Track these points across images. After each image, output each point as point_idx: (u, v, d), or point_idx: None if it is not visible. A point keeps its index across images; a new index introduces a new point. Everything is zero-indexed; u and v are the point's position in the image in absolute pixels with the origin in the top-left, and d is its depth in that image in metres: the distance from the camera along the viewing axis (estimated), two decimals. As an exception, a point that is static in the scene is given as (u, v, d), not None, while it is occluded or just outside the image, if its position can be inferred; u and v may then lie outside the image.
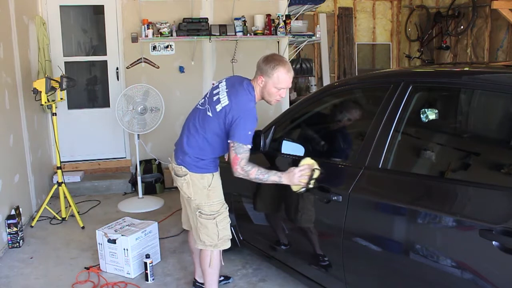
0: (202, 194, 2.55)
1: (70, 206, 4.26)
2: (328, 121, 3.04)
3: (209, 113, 2.49)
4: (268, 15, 5.59)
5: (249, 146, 2.41)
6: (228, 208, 2.66)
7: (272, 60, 2.43)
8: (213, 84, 2.74)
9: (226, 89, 2.50)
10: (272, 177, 2.42)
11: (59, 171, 4.26)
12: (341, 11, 8.07)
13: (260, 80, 2.45)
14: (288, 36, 5.70)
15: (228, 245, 2.65)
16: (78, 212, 4.24)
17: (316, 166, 2.39)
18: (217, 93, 2.52)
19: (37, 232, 4.02)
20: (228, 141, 2.43)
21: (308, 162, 2.41)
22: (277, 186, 2.71)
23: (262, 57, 2.49)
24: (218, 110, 2.45)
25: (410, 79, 2.24)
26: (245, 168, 2.40)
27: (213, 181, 2.57)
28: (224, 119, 2.43)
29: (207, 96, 2.59)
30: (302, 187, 2.40)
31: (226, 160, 2.90)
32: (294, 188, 2.43)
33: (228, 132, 2.45)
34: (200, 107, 2.59)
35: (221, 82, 2.59)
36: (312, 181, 2.38)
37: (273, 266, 3.13)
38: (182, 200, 2.75)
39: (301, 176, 2.38)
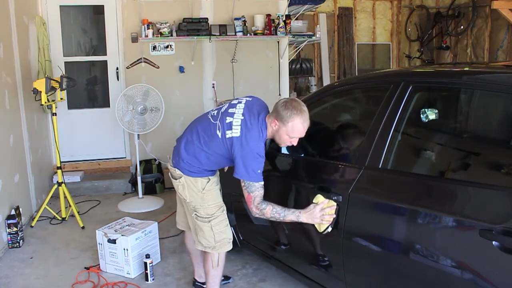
0: (197, 197, 2.53)
1: (70, 206, 4.26)
2: (328, 121, 3.04)
3: (218, 133, 2.41)
4: (268, 15, 5.58)
5: (261, 183, 2.37)
6: (225, 211, 2.62)
7: (290, 107, 2.31)
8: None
9: (242, 116, 2.39)
10: (290, 216, 2.34)
11: (59, 171, 4.26)
12: (341, 11, 8.07)
13: (274, 124, 2.36)
14: (288, 36, 5.70)
15: (228, 247, 2.62)
16: (78, 212, 4.24)
17: (331, 203, 2.27)
18: (232, 114, 2.41)
19: (37, 232, 4.02)
20: (236, 176, 2.38)
21: (321, 199, 2.30)
22: (277, 186, 2.71)
23: (282, 100, 2.38)
24: (227, 137, 2.38)
25: (410, 79, 2.24)
26: (259, 206, 2.36)
27: (207, 185, 2.54)
28: (230, 149, 2.37)
29: (222, 110, 2.49)
30: (328, 225, 2.28)
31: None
32: (320, 228, 2.31)
33: (232, 157, 2.39)
34: (211, 120, 2.48)
35: (241, 102, 2.48)
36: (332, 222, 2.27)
37: (273, 266, 3.13)
38: (179, 200, 2.74)
39: (322, 215, 2.28)
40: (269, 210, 2.36)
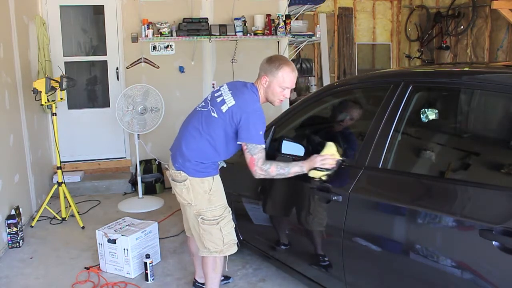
0: (203, 199, 2.49)
1: (70, 206, 4.26)
2: (328, 121, 3.04)
3: (214, 114, 2.44)
4: (268, 15, 5.59)
5: (263, 146, 2.38)
6: (230, 212, 2.60)
7: (276, 60, 2.43)
8: (213, 84, 2.73)
9: (230, 90, 2.47)
10: (294, 168, 2.38)
11: (59, 171, 4.26)
12: (341, 11, 8.06)
13: (264, 80, 2.43)
14: (288, 36, 5.70)
15: (234, 249, 2.58)
16: (78, 212, 4.24)
17: (337, 156, 2.36)
18: (220, 95, 2.48)
19: (37, 232, 4.02)
20: (239, 143, 2.40)
21: (330, 151, 2.37)
22: (277, 186, 2.70)
23: (265, 58, 2.49)
24: (224, 111, 2.40)
25: (410, 79, 2.24)
26: (263, 167, 2.37)
27: (213, 185, 2.51)
28: (231, 120, 2.39)
29: (208, 98, 2.55)
30: (323, 174, 2.36)
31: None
32: (312, 174, 2.38)
33: (236, 133, 2.41)
34: (202, 109, 2.53)
35: (222, 86, 2.56)
36: (330, 171, 2.35)
37: (273, 266, 3.13)
38: (182, 207, 2.68)
39: (322, 164, 2.34)
40: (273, 168, 2.38)
